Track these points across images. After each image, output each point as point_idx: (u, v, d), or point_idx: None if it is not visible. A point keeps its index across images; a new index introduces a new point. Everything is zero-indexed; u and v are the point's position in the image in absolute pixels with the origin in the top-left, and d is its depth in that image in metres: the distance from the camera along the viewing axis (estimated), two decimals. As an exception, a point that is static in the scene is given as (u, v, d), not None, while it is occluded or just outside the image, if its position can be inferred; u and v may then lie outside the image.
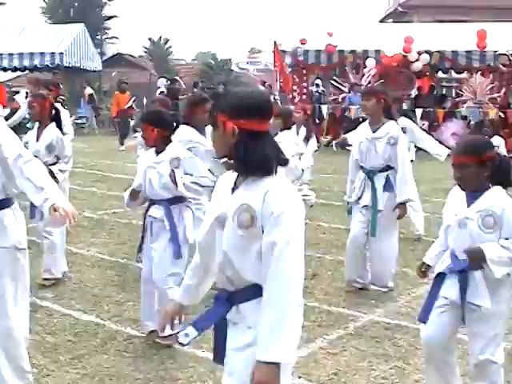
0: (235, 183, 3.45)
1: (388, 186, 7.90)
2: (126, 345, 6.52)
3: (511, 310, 5.02)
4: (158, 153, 6.44)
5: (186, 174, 6.39)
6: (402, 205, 7.89)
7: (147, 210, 6.49)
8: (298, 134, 11.69)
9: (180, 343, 3.58)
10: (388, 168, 7.92)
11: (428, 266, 5.09)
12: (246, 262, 3.33)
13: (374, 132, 7.96)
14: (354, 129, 8.98)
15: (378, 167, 7.94)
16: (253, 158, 3.32)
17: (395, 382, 5.73)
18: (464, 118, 25.35)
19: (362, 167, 8.05)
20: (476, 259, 4.57)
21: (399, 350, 6.41)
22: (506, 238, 4.58)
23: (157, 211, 6.38)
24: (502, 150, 12.59)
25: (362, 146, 8.01)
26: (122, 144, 24.27)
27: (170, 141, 6.49)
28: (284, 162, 3.42)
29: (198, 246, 3.65)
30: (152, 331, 6.50)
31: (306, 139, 12.03)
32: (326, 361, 6.13)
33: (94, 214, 12.29)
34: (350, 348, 6.45)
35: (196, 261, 3.70)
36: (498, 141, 13.74)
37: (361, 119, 17.31)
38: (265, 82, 29.77)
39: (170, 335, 5.75)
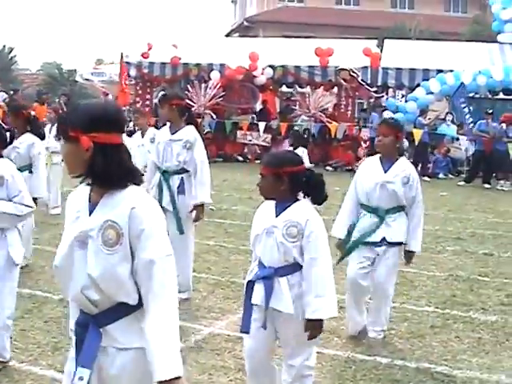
0: (90, 200, 3.34)
1: (181, 188, 8.18)
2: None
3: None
4: None
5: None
6: (200, 207, 8.19)
7: None
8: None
9: None
10: (183, 171, 8.19)
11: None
12: (114, 283, 3.22)
13: (172, 134, 8.21)
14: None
15: (173, 169, 8.17)
16: (111, 171, 3.23)
17: (234, 393, 5.79)
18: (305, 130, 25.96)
19: (158, 168, 8.29)
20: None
21: (239, 362, 6.41)
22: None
23: None
24: (306, 161, 13.08)
25: (159, 147, 8.29)
26: None
27: (1, 156, 6.15)
28: (139, 178, 3.37)
29: (55, 270, 3.43)
30: None
31: None
32: (166, 374, 6.08)
33: None
34: (190, 361, 6.44)
35: None
36: (300, 151, 14.66)
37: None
38: (107, 94, 29.47)
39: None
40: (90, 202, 3.33)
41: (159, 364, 3.14)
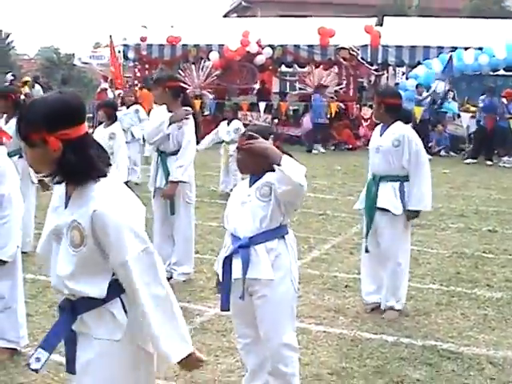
0: (67, 192, 3.22)
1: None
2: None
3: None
4: None
5: None
6: (173, 184, 8.08)
7: None
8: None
9: (33, 370, 3.28)
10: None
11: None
12: (74, 281, 3.17)
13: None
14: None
15: (170, 150, 8.14)
16: (80, 166, 3.08)
17: (241, 374, 5.73)
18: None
19: (157, 149, 8.30)
20: None
21: (245, 342, 6.43)
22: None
23: None
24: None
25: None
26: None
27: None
28: (108, 162, 3.22)
29: (37, 257, 3.42)
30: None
31: None
32: (172, 356, 6.06)
33: None
34: (195, 343, 6.39)
35: None
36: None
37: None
38: (107, 78, 29.38)
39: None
40: (66, 193, 3.23)
41: (168, 348, 3.16)
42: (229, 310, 4.89)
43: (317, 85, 25.16)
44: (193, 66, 25.76)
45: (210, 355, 6.16)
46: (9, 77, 28.73)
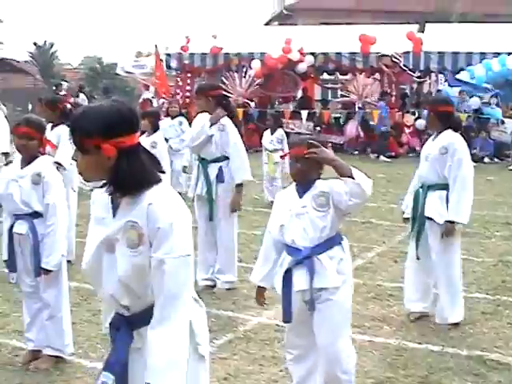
0: (113, 202, 3.21)
1: (221, 177, 8.16)
2: (10, 357, 6.36)
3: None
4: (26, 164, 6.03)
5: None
6: (239, 187, 8.15)
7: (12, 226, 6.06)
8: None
9: None
10: (222, 159, 8.19)
11: (263, 288, 5.17)
12: (143, 285, 3.11)
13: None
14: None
15: (211, 157, 8.19)
16: (134, 174, 3.08)
17: (285, 384, 5.75)
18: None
19: (198, 156, 8.39)
20: None
21: (289, 351, 6.41)
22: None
23: (21, 226, 5.99)
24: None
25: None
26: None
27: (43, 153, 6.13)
28: (160, 169, 3.22)
29: (84, 273, 3.35)
30: (32, 351, 6.28)
31: None
32: (216, 366, 6.02)
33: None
34: (239, 352, 6.42)
35: None
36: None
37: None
38: (148, 86, 29.53)
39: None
40: (112, 203, 3.21)
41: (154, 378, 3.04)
42: (291, 321, 4.91)
43: (381, 93, 25.18)
44: (235, 75, 25.78)
45: (254, 364, 6.16)
46: (65, 86, 28.92)
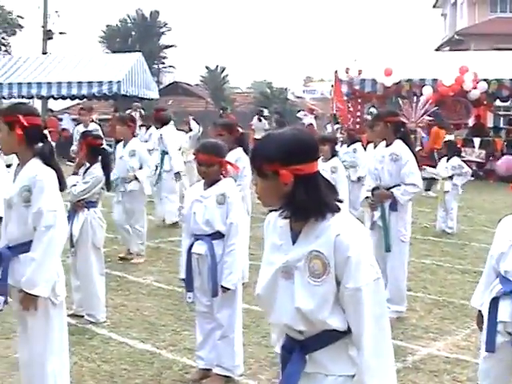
0: (292, 229, 3.22)
1: (394, 206, 8.09)
2: (181, 374, 6.50)
3: None
4: (208, 186, 6.20)
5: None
6: None
7: (191, 246, 6.24)
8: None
9: None
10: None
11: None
12: (322, 314, 3.10)
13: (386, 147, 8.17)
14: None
15: (387, 185, 8.15)
16: (311, 201, 3.09)
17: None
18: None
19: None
20: None
21: (458, 385, 6.28)
22: None
23: (200, 247, 6.16)
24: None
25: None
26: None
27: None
28: (338, 198, 3.21)
29: (258, 299, 3.37)
30: (202, 369, 6.42)
31: None
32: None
33: (151, 242, 12.18)
34: (407, 382, 6.33)
35: None
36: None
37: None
38: (313, 110, 29.69)
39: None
40: (291, 230, 3.22)
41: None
42: (494, 351, 4.78)
43: None
44: (409, 101, 25.49)
45: (423, 395, 6.06)
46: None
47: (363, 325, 3.07)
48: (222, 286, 6.03)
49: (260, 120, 28.08)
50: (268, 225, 3.38)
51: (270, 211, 3.36)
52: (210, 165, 6.07)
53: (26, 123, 4.97)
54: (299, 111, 29.66)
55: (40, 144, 5.11)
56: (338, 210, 3.16)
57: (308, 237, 3.14)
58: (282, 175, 3.08)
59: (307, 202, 3.10)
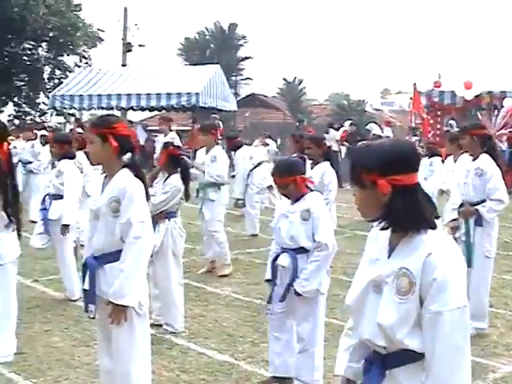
0: (390, 243, 3.20)
1: (478, 220, 7.97)
2: (260, 387, 6.49)
3: None
4: (294, 201, 6.25)
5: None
6: None
7: (276, 258, 6.32)
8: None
9: None
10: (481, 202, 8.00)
11: None
12: (399, 331, 3.05)
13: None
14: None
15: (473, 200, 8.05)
16: (410, 213, 3.06)
17: None
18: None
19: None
20: None
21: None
22: None
23: (285, 259, 6.22)
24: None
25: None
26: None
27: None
28: (435, 214, 3.17)
29: (348, 309, 3.35)
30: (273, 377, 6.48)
31: None
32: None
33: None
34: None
35: (351, 325, 3.46)
36: None
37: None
38: (389, 122, 29.42)
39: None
40: (389, 244, 3.20)
41: None
42: None
43: None
44: (488, 113, 25.12)
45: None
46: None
47: (436, 352, 2.98)
48: (296, 293, 6.08)
49: (327, 132, 27.95)
50: (371, 238, 3.36)
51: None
52: (286, 185, 6.17)
53: (120, 134, 5.06)
54: (368, 123, 29.39)
55: (129, 155, 5.19)
56: (434, 226, 3.11)
57: (402, 252, 3.11)
58: (380, 185, 3.07)
59: (404, 214, 3.07)
